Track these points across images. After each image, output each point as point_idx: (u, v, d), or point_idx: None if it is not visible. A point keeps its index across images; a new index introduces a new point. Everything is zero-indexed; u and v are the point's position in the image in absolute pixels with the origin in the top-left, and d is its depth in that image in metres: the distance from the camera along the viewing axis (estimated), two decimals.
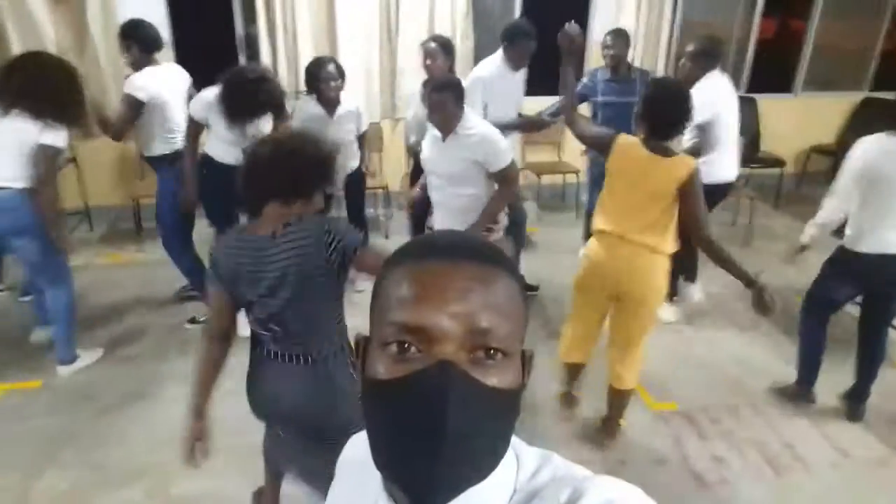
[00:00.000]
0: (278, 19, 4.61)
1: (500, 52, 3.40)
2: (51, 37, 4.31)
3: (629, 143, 2.30)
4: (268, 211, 1.64)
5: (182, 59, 4.66)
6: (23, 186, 2.67)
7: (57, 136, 2.67)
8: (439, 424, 0.53)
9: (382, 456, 0.57)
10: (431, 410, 0.53)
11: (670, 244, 2.29)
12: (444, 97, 2.55)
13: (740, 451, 2.62)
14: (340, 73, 3.43)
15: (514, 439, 0.64)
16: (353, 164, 3.69)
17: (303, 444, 1.87)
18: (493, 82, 3.35)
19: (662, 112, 2.23)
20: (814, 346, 2.86)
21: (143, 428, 2.69)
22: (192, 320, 3.48)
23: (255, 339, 1.77)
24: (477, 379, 0.55)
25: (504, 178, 2.69)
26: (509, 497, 0.60)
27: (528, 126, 3.72)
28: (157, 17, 4.52)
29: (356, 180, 3.75)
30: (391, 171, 5.04)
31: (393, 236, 4.72)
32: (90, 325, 3.43)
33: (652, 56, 5.29)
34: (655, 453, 2.61)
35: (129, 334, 3.43)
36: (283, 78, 4.61)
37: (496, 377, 0.56)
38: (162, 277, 3.78)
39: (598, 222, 2.40)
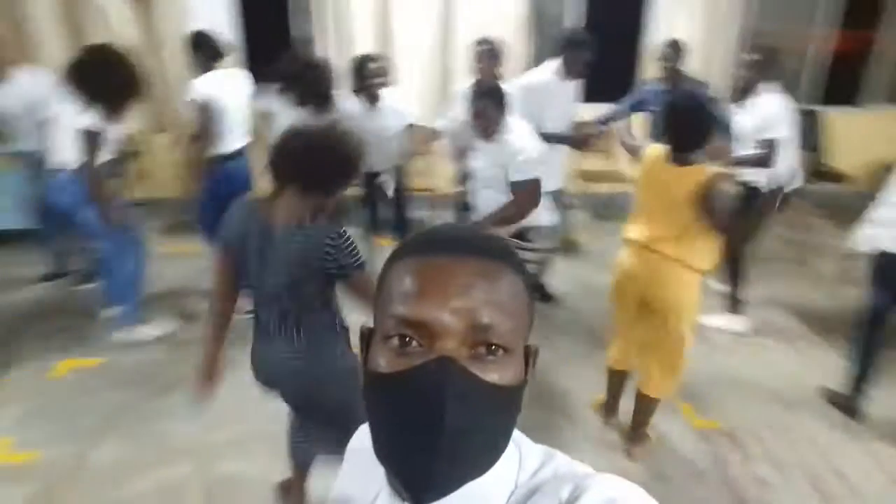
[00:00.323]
0: (332, 21, 4.72)
1: (554, 61, 3.40)
2: (124, 34, 4.53)
3: (654, 155, 2.35)
4: (285, 197, 1.70)
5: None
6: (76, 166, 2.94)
7: (97, 121, 2.88)
8: (437, 420, 0.53)
9: (382, 448, 0.58)
10: (430, 406, 0.54)
11: (700, 259, 2.28)
12: (484, 103, 2.62)
13: (785, 475, 2.54)
14: (385, 69, 3.52)
15: (519, 436, 0.65)
16: (396, 161, 3.74)
17: (307, 421, 2.00)
18: (544, 92, 3.35)
19: (680, 125, 2.24)
20: (865, 359, 2.78)
21: (195, 408, 2.80)
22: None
23: (255, 312, 1.88)
24: (476, 375, 0.55)
25: (516, 192, 2.70)
26: (510, 492, 0.61)
27: (578, 142, 3.66)
28: (224, 18, 4.72)
29: (400, 178, 3.80)
30: (440, 173, 5.09)
31: None
32: (153, 311, 3.58)
33: (713, 66, 5.18)
34: (696, 471, 2.56)
35: (188, 320, 3.59)
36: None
37: (496, 373, 0.56)
38: None
39: (627, 231, 2.45)
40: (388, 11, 4.78)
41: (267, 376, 1.89)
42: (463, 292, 0.56)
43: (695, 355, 2.49)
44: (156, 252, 4.36)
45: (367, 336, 0.63)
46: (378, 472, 0.63)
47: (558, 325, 3.57)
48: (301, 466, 2.14)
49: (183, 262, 4.29)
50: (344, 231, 1.70)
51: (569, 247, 4.60)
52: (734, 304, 3.61)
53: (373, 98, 3.52)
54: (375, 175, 3.70)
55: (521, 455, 0.64)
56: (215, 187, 3.41)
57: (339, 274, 1.71)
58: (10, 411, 2.78)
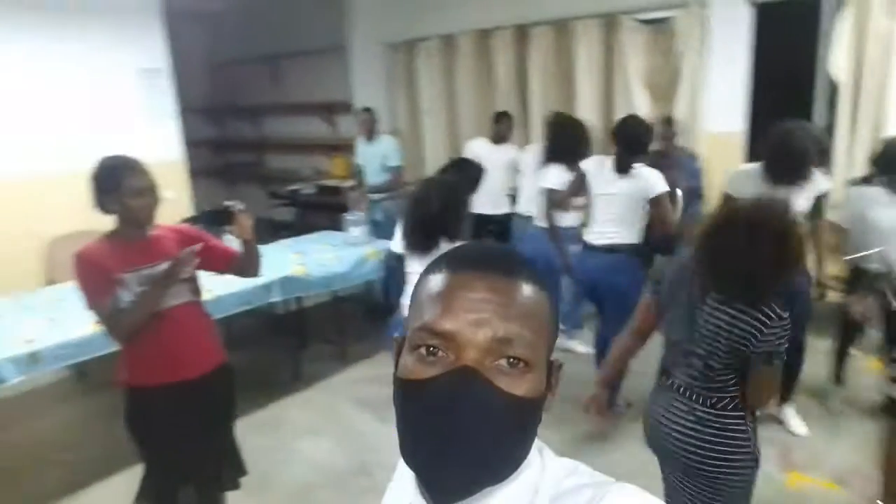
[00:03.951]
0: (862, 114, 4.16)
1: None
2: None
3: None
4: None
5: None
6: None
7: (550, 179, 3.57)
8: (455, 426, 0.57)
9: (407, 451, 0.63)
10: (449, 413, 0.58)
11: None
12: None
13: None
14: None
15: (544, 447, 0.67)
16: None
17: (682, 484, 1.91)
18: None
19: None
20: None
21: None
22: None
23: (664, 366, 1.93)
24: (495, 385, 0.59)
25: None
26: (531, 499, 0.63)
27: None
28: (738, 110, 4.76)
29: None
30: None
31: None
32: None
33: None
34: None
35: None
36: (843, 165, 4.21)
37: (516, 385, 0.59)
38: None
39: None
40: None
41: (655, 437, 1.94)
42: (485, 307, 0.60)
43: None
44: None
45: (399, 345, 0.67)
46: (410, 484, 0.68)
47: None
48: None
49: None
50: (785, 315, 1.66)
51: None
52: None
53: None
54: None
55: (545, 465, 0.66)
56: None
57: (757, 358, 1.69)
58: None
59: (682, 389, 1.85)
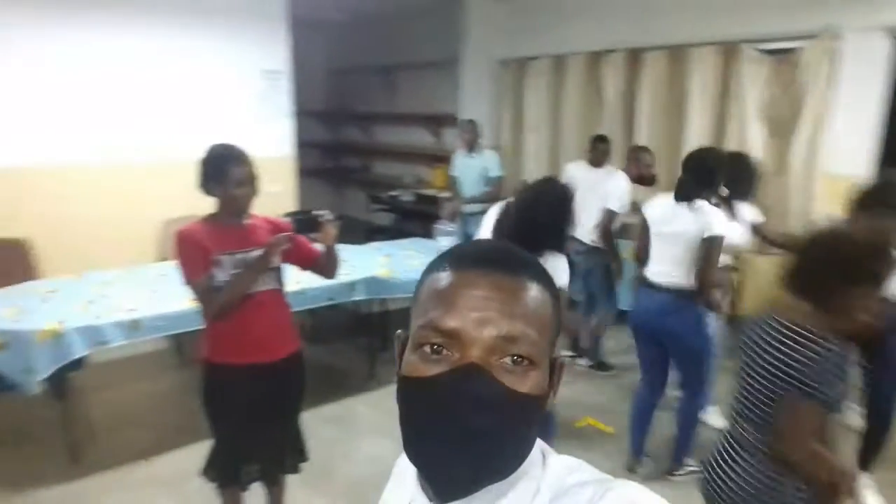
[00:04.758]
0: None
1: None
2: (757, 156, 4.78)
3: None
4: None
5: None
6: None
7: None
8: (461, 422, 0.57)
9: (411, 448, 0.63)
10: (454, 409, 0.58)
11: None
12: None
13: None
14: None
15: (545, 446, 0.67)
16: None
17: None
18: None
19: None
20: None
21: None
22: None
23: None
24: (500, 382, 0.58)
25: None
26: (533, 496, 0.63)
27: None
28: (863, 154, 4.39)
29: None
30: None
31: None
32: None
33: None
34: None
35: None
36: None
37: (520, 382, 0.59)
38: None
39: None
40: None
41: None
42: (489, 305, 0.60)
43: None
44: None
45: (402, 342, 0.67)
46: (412, 475, 0.68)
47: None
48: None
49: None
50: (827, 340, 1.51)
51: None
52: None
53: None
54: None
55: (547, 462, 0.66)
56: None
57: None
58: None
59: None
